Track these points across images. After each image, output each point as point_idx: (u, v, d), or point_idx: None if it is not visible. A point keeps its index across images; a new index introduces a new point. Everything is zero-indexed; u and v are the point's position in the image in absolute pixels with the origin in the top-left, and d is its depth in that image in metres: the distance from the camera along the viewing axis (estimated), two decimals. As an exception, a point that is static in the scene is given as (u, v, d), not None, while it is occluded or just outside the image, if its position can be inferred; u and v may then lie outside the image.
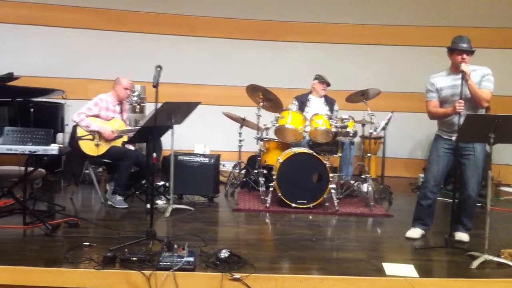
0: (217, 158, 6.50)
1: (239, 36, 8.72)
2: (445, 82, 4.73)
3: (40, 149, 4.60)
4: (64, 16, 8.33)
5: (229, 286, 3.69)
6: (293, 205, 5.97)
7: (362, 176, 6.63)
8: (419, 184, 7.47)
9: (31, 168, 5.17)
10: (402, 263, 4.12)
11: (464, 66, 4.48)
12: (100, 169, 7.11)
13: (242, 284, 3.69)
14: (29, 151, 4.60)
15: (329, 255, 4.43)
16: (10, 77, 6.91)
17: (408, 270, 3.96)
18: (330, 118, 6.22)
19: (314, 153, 6.09)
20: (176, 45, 8.60)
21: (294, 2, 8.74)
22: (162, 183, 6.62)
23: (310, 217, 5.80)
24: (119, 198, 5.86)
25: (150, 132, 5.20)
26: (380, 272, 3.92)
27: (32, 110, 6.52)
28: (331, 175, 6.02)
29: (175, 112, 5.42)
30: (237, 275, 3.70)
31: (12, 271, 3.73)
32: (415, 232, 4.92)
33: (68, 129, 7.03)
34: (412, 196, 6.79)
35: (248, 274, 3.71)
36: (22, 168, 4.99)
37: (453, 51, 4.63)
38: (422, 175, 6.13)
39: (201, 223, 5.33)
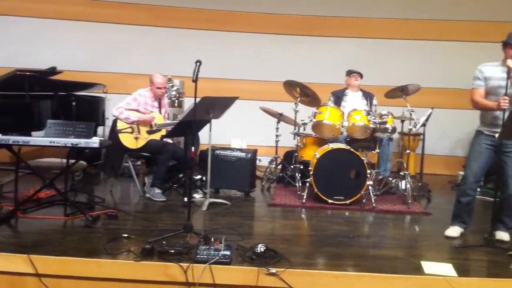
0: (254, 153, 6.52)
1: (278, 31, 8.69)
2: (494, 72, 4.63)
3: (82, 142, 4.65)
4: (105, 12, 8.46)
5: (265, 281, 3.71)
6: (330, 201, 5.94)
7: (401, 173, 6.54)
8: (459, 182, 7.33)
9: (73, 161, 5.29)
10: (440, 261, 4.07)
11: (510, 62, 4.41)
12: (139, 162, 7.20)
13: (278, 279, 3.70)
14: (71, 144, 4.65)
15: (366, 252, 4.38)
16: (53, 71, 7.08)
17: (447, 269, 3.90)
18: (368, 114, 6.15)
19: (352, 149, 6.04)
20: (215, 41, 8.62)
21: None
22: (199, 177, 6.65)
23: (347, 213, 5.77)
24: (157, 191, 5.94)
25: (188, 126, 5.24)
26: (418, 271, 3.88)
27: (74, 103, 6.64)
28: (368, 171, 5.96)
29: (213, 106, 5.44)
30: (273, 270, 3.71)
31: (53, 261, 3.82)
32: (454, 231, 4.84)
33: (109, 123, 7.14)
34: (451, 194, 6.66)
35: (284, 269, 3.72)
36: (64, 160, 5.09)
37: (506, 45, 4.57)
38: (462, 173, 6.01)
39: (237, 217, 5.36)
